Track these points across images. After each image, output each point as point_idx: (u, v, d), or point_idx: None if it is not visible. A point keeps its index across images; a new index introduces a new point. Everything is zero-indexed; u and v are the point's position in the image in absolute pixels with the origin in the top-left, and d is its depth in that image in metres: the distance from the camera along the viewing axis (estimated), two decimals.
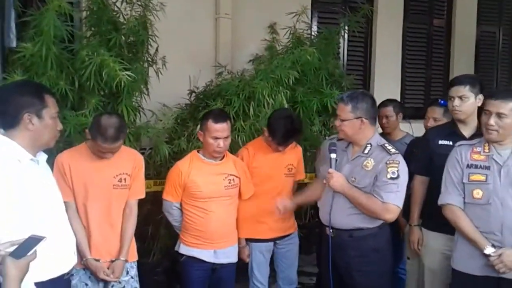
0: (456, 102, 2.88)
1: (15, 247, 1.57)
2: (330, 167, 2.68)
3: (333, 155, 2.69)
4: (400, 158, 2.59)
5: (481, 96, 2.88)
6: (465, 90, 2.87)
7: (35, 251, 1.59)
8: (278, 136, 3.08)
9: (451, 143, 2.85)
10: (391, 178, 2.51)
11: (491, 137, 2.48)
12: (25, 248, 1.58)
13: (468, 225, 2.50)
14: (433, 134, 3.06)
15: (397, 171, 2.53)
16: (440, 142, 2.94)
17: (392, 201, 2.51)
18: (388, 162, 2.54)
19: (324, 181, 2.69)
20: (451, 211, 2.57)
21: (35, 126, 1.99)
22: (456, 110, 2.89)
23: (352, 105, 2.62)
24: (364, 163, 2.61)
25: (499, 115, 2.43)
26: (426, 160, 2.91)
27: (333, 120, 4.39)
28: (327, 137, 3.63)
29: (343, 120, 2.65)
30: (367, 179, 2.58)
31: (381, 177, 2.53)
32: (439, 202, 2.63)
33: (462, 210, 2.53)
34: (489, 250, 2.42)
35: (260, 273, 3.27)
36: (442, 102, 3.28)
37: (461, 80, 2.95)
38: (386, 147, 2.62)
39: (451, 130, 2.95)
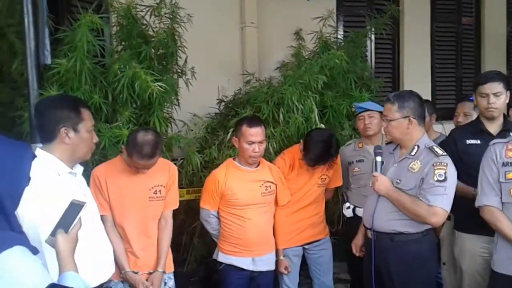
0: (492, 99, 2.80)
1: None
2: (376, 170, 2.65)
3: (379, 158, 2.66)
4: (448, 160, 2.50)
5: (508, 93, 2.82)
6: (499, 86, 2.81)
7: (80, 218, 1.64)
8: (310, 157, 3.07)
9: (479, 141, 2.80)
10: (438, 181, 2.43)
11: None
12: (70, 216, 1.63)
13: (507, 226, 2.42)
14: (459, 133, 3.01)
15: (445, 173, 2.44)
16: (468, 141, 2.89)
17: (438, 204, 2.43)
18: (435, 164, 2.47)
19: (370, 184, 2.67)
20: (490, 213, 2.48)
21: (71, 139, 2.02)
22: (493, 107, 2.81)
23: (399, 104, 2.57)
24: (411, 165, 2.55)
25: None
26: (455, 161, 2.78)
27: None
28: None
29: (390, 120, 2.60)
30: (412, 181, 2.52)
31: (427, 179, 2.46)
32: (477, 204, 2.55)
33: (500, 211, 2.45)
34: None
35: (288, 278, 3.25)
36: (471, 98, 3.22)
37: (494, 77, 2.87)
38: (434, 149, 2.54)
39: (478, 129, 2.90)
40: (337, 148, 3.21)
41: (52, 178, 1.99)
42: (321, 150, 3.04)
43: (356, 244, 3.04)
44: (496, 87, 2.80)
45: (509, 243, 2.42)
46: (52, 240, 1.62)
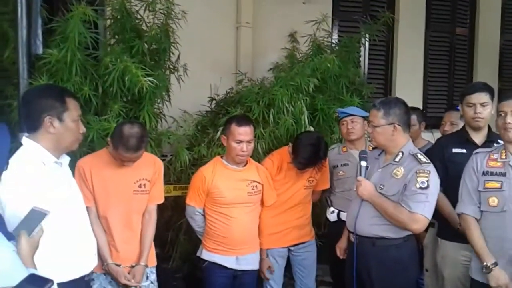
0: (479, 109, 2.86)
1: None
2: (360, 174, 2.66)
3: (363, 163, 2.67)
4: (431, 168, 2.53)
5: (494, 104, 2.87)
6: (486, 97, 2.88)
7: (42, 226, 1.64)
8: (299, 161, 3.07)
9: (465, 151, 2.84)
10: (420, 188, 2.45)
11: (511, 135, 2.44)
12: (31, 222, 1.62)
13: (476, 236, 2.48)
14: (446, 142, 3.05)
15: (427, 181, 2.46)
16: (454, 150, 2.93)
17: (420, 211, 2.45)
18: (418, 171, 2.49)
19: (349, 187, 2.68)
20: (465, 221, 2.55)
21: (56, 129, 2.02)
22: (479, 117, 2.86)
23: (385, 111, 2.59)
24: (394, 171, 2.57)
25: None
26: (442, 169, 2.82)
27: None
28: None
29: (375, 127, 2.62)
30: (395, 187, 2.54)
31: (410, 186, 2.48)
32: (456, 211, 2.62)
33: (475, 220, 2.52)
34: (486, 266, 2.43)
35: (273, 278, 3.26)
36: (458, 107, 3.27)
37: (481, 87, 2.94)
38: (417, 156, 2.56)
39: (463, 138, 2.94)
40: (326, 150, 3.22)
41: (37, 167, 1.98)
42: (310, 153, 3.05)
43: (340, 247, 3.06)
44: (483, 97, 2.86)
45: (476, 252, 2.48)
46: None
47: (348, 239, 2.85)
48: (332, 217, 3.44)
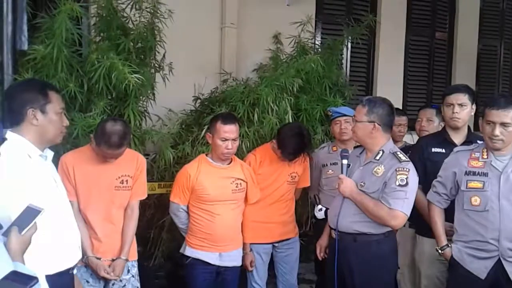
0: (457, 109, 2.94)
1: None
2: (342, 172, 2.73)
3: (345, 161, 2.75)
4: (410, 166, 2.60)
5: (474, 106, 2.96)
6: (464, 98, 2.96)
7: (35, 223, 1.64)
8: (288, 152, 3.13)
9: (443, 150, 2.93)
10: (400, 185, 2.53)
11: (496, 146, 2.53)
12: (25, 219, 1.62)
13: (438, 224, 2.75)
14: (426, 142, 3.14)
15: (406, 178, 2.54)
16: (433, 149, 3.02)
17: (399, 208, 2.53)
18: (397, 169, 2.56)
19: (336, 186, 2.75)
20: (430, 209, 2.78)
21: (39, 121, 2.03)
22: (456, 117, 2.95)
23: (369, 108, 2.66)
24: (375, 169, 2.63)
25: (503, 125, 2.48)
26: (421, 168, 2.91)
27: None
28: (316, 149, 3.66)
29: (357, 122, 2.70)
30: (376, 185, 2.61)
31: (390, 183, 2.55)
32: (427, 197, 2.81)
33: (439, 209, 2.77)
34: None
35: (258, 274, 3.29)
36: (433, 106, 3.36)
37: (460, 88, 3.04)
38: (397, 154, 2.63)
39: (443, 138, 3.03)
40: (309, 136, 3.33)
41: (23, 160, 1.99)
42: (296, 143, 3.12)
43: (321, 245, 3.11)
44: (461, 98, 2.95)
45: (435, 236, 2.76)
46: (4, 240, 1.60)
47: (329, 236, 2.91)
48: (319, 214, 3.48)
